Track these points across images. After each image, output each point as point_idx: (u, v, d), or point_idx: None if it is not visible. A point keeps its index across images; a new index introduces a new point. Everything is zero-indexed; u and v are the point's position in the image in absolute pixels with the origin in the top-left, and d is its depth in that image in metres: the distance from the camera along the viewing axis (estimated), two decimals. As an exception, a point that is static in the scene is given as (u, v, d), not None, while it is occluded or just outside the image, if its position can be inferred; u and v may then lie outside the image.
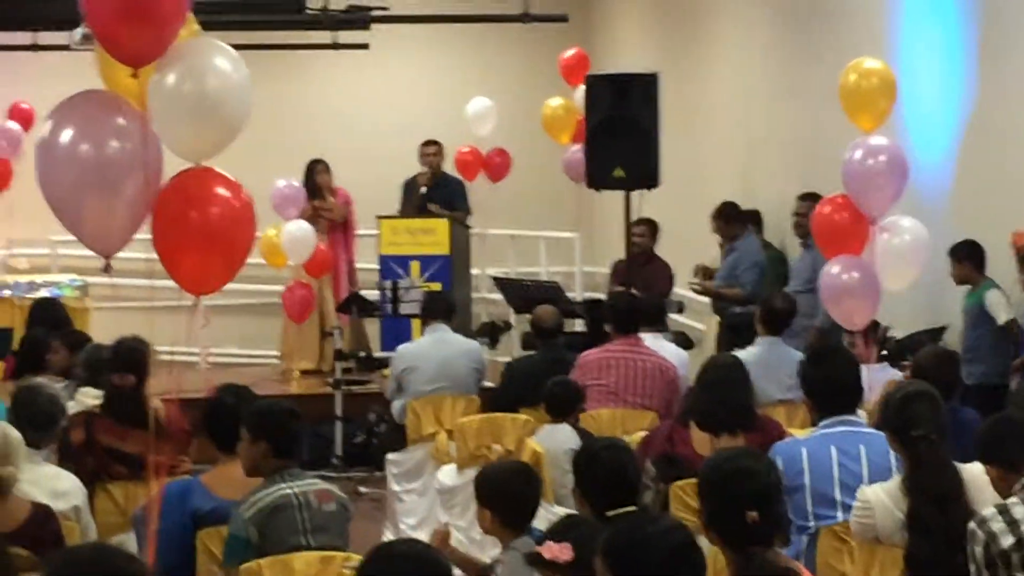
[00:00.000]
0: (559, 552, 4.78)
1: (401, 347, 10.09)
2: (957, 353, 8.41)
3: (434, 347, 9.75)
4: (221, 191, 5.68)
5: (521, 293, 12.12)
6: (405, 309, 11.59)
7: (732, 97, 13.72)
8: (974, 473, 5.58)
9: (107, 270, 5.77)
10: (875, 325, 9.17)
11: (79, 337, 9.59)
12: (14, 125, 14.36)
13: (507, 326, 12.23)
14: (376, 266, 12.98)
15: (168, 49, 5.39)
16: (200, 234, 5.62)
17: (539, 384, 8.54)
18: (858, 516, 5.62)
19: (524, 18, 11.90)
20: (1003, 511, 5.06)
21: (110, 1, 5.21)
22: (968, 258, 9.53)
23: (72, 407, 7.64)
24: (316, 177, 13.15)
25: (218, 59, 5.67)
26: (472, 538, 7.34)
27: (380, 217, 13.10)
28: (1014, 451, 5.34)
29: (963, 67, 10.42)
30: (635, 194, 11.29)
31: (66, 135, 5.53)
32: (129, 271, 6.39)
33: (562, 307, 10.86)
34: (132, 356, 7.86)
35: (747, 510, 4.32)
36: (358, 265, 13.77)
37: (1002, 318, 9.34)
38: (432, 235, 12.66)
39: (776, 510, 4.53)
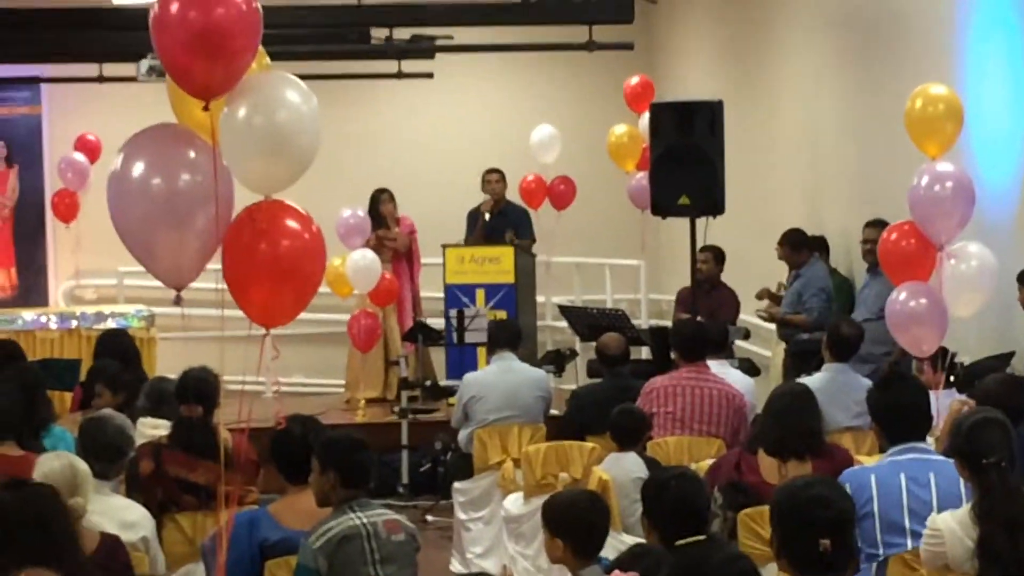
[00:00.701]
0: None
1: (467, 376, 10.14)
2: None
3: (500, 375, 9.79)
4: (292, 224, 5.51)
5: (586, 321, 12.12)
6: (471, 338, 11.63)
7: (797, 125, 13.77)
8: None
9: (178, 302, 5.68)
10: (943, 352, 8.85)
11: (143, 374, 9.68)
12: (81, 157, 14.49)
13: (573, 354, 12.18)
14: (441, 295, 13.02)
15: (239, 82, 5.35)
16: (271, 267, 5.47)
17: (605, 412, 8.53)
18: (928, 544, 5.59)
19: (589, 46, 11.66)
20: None
21: (180, 34, 5.15)
22: None
23: (138, 439, 7.68)
24: (381, 206, 13.21)
25: (288, 92, 5.51)
26: (540, 567, 7.37)
27: (445, 246, 13.10)
28: None
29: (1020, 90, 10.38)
30: (700, 221, 11.30)
31: (138, 168, 5.47)
32: (198, 301, 6.15)
33: (627, 335, 10.86)
34: (200, 386, 7.85)
35: (820, 538, 4.32)
36: (423, 294, 13.86)
37: None
38: (497, 263, 12.67)
39: (848, 538, 4.52)
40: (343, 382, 13.76)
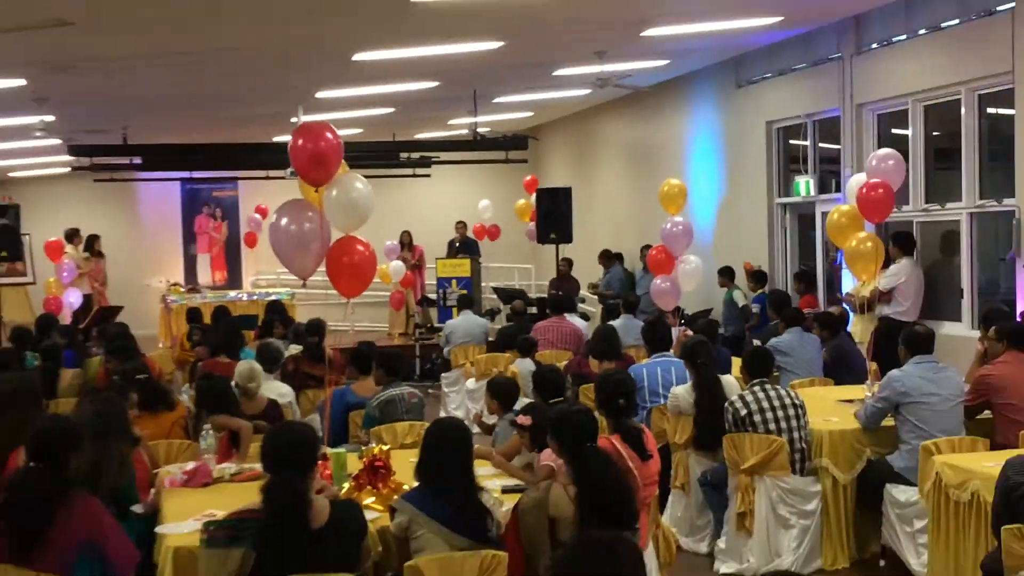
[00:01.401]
0: (524, 420, 6.19)
1: (448, 321, 14.31)
2: (717, 321, 12.02)
3: (464, 321, 13.72)
4: (359, 247, 7.31)
5: (506, 294, 16.75)
6: (449, 303, 16.44)
7: (608, 197, 19.01)
8: (729, 380, 7.90)
9: (304, 285, 8.03)
10: (678, 308, 13.07)
11: (290, 320, 12.55)
12: (258, 216, 20.83)
13: (499, 311, 16.74)
14: (434, 282, 17.91)
15: (332, 178, 7.10)
16: (348, 268, 7.23)
17: (515, 339, 11.56)
18: (671, 402, 7.81)
19: (507, 160, 16.97)
20: (740, 397, 7.28)
21: (304, 155, 7.02)
22: (725, 274, 13.72)
23: (286, 353, 9.94)
24: (403, 239, 18.63)
25: (356, 183, 7.28)
26: (483, 414, 7.88)
27: (437, 258, 18.14)
28: (756, 367, 7.53)
29: (717, 181, 15.15)
30: (561, 246, 16.58)
31: (284, 220, 7.27)
32: (313, 284, 8.85)
33: (525, 301, 15.22)
34: (317, 327, 10.70)
35: (619, 399, 5.75)
36: (427, 282, 18.83)
37: (741, 303, 13.33)
38: (462, 267, 17.46)
39: (633, 399, 5.92)
40: (387, 325, 19.39)
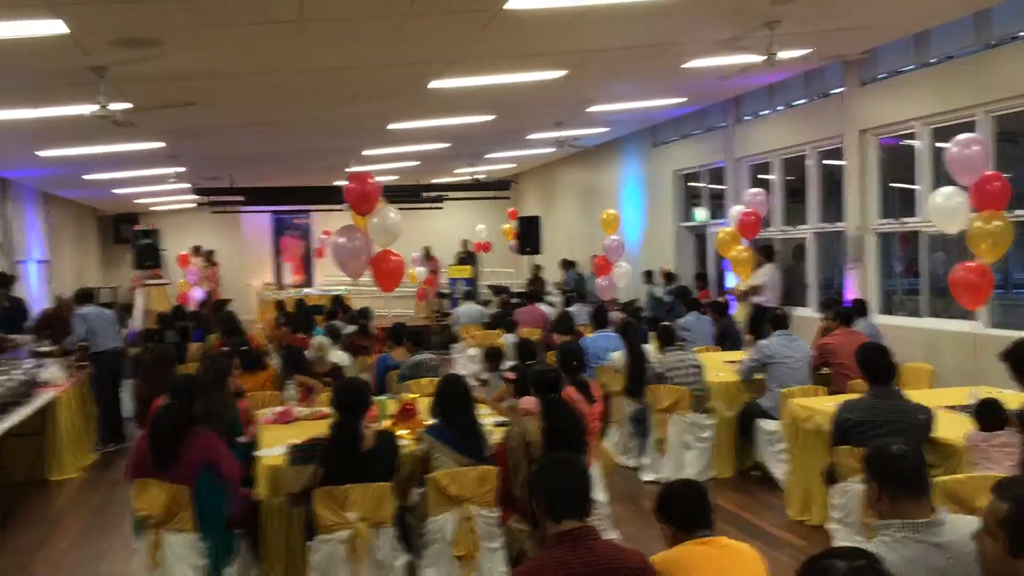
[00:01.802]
0: (510, 375, 6.43)
1: (456, 309, 14.12)
2: (641, 307, 12.02)
3: (467, 308, 13.24)
4: (392, 257, 7.68)
5: (497, 290, 15.99)
6: (457, 296, 16.39)
7: (565, 221, 18.66)
8: (648, 348, 7.76)
9: (356, 283, 8.46)
10: (613, 299, 12.68)
11: (347, 308, 12.32)
12: (324, 236, 20.59)
13: (491, 301, 15.45)
14: (446, 282, 18.05)
15: (373, 209, 7.61)
16: (385, 271, 7.63)
17: (503, 320, 10.97)
18: (609, 363, 8.01)
19: (495, 197, 17.40)
20: (658, 360, 7.18)
21: (354, 194, 7.59)
22: (647, 276, 13.58)
23: (345, 331, 9.78)
24: (425, 252, 18.80)
25: (391, 212, 7.66)
26: (479, 376, 8.18)
27: (449, 266, 18.40)
28: (662, 338, 7.52)
29: (640, 211, 14.98)
30: (534, 256, 16.31)
31: (341, 239, 7.55)
32: (363, 283, 9.42)
33: (509, 294, 14.81)
34: (365, 312, 10.84)
35: (573, 361, 5.94)
36: (442, 282, 18.66)
37: (657, 295, 13.11)
38: (465, 271, 17.70)
39: (582, 361, 6.18)
40: (414, 311, 18.66)
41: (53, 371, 8.27)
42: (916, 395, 5.39)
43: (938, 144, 8.30)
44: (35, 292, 14.83)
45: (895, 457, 2.73)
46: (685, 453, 7.25)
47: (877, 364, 5.03)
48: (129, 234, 20.06)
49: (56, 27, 5.71)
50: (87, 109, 6.94)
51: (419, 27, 6.53)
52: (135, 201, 20.14)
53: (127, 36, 6.13)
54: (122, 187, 16.59)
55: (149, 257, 13.87)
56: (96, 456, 8.72)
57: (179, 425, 4.75)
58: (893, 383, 5.11)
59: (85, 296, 9.32)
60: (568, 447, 4.38)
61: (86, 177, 14.48)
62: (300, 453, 4.51)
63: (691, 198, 14.00)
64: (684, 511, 2.97)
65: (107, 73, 6.85)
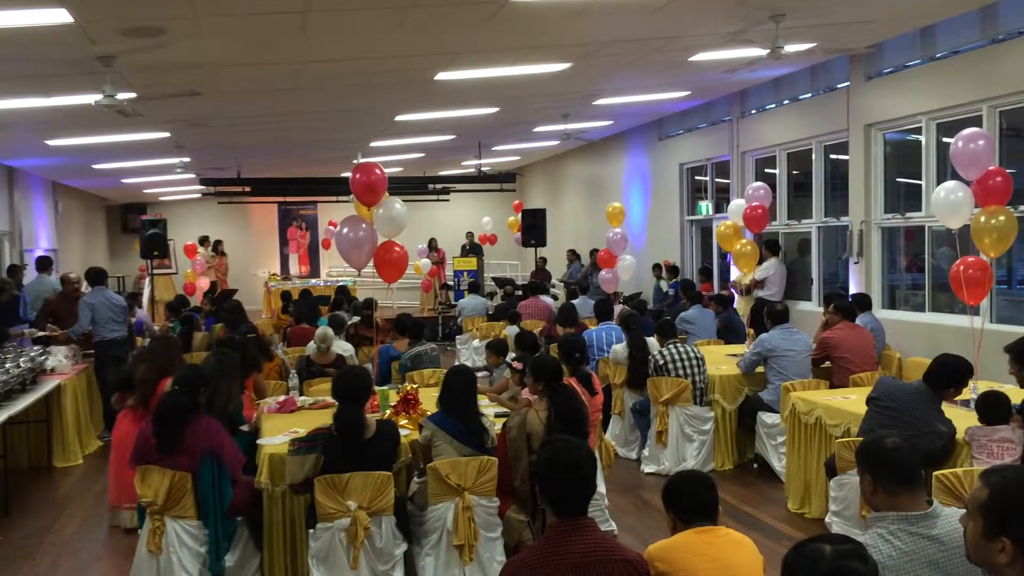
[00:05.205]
0: (518, 365, 6.05)
1: (461, 300, 14.47)
2: (645, 300, 11.91)
3: (471, 300, 13.59)
4: (396, 249, 7.27)
5: (501, 281, 16.49)
6: (462, 288, 16.55)
7: (571, 214, 18.64)
8: (651, 341, 7.73)
9: (360, 274, 7.99)
10: (616, 292, 12.75)
11: (352, 299, 12.44)
12: (330, 227, 20.21)
13: (496, 293, 15.75)
14: (451, 274, 18.01)
15: (379, 200, 7.14)
16: (389, 262, 7.23)
17: (506, 312, 11.32)
18: (611, 355, 7.85)
19: (501, 189, 17.17)
20: (660, 351, 7.18)
21: (360, 186, 7.01)
22: (656, 269, 13.48)
23: (349, 321, 9.67)
24: (430, 244, 18.45)
25: (396, 204, 7.25)
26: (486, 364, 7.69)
27: (455, 258, 18.09)
28: (663, 332, 7.43)
29: (645, 204, 14.99)
30: (539, 249, 15.86)
31: (345, 229, 7.08)
32: (365, 274, 8.66)
33: (513, 286, 14.78)
34: (369, 303, 9.87)
35: (576, 353, 5.86)
36: (447, 273, 18.68)
37: (664, 289, 13.00)
38: (471, 263, 17.53)
39: (584, 353, 6.08)
40: (419, 302, 18.80)
41: (58, 359, 8.27)
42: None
43: (943, 139, 8.27)
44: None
45: (890, 450, 2.71)
46: (686, 445, 7.22)
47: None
48: (137, 223, 20.00)
49: (60, 16, 5.69)
50: (95, 98, 6.93)
51: (425, 18, 6.50)
52: (144, 191, 20.12)
53: (133, 25, 6.11)
54: (131, 176, 16.54)
55: (156, 247, 13.90)
56: (101, 443, 8.72)
57: (183, 406, 4.76)
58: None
59: (97, 276, 8.97)
60: (571, 434, 4.36)
61: (96, 166, 14.47)
62: (303, 444, 4.45)
63: (695, 192, 13.88)
64: (689, 501, 2.98)
65: (114, 62, 6.84)
